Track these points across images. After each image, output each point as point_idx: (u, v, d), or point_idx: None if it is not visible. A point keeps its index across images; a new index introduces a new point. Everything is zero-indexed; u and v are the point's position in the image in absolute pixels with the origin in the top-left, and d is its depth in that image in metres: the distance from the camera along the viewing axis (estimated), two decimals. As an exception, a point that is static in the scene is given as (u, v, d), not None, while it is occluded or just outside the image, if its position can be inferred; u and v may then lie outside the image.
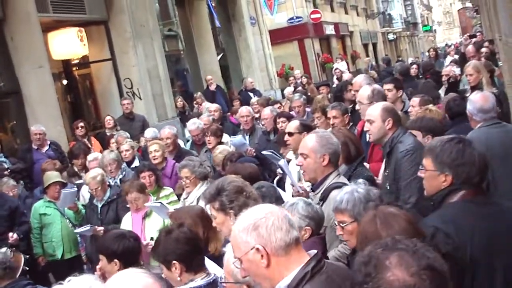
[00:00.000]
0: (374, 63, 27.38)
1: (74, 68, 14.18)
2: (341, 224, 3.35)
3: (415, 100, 6.58)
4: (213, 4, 18.89)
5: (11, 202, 7.48)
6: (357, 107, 6.15)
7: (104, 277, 3.77)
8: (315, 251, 2.50)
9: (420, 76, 13.20)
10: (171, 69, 15.80)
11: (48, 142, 9.71)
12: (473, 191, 3.06)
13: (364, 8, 40.55)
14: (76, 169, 8.67)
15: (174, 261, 3.36)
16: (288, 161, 5.99)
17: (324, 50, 30.08)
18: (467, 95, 6.65)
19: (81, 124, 10.68)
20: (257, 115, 10.09)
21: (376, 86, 6.28)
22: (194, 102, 14.30)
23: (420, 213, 3.35)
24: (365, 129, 4.91)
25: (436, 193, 3.12)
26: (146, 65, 13.62)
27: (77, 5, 12.51)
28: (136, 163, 8.32)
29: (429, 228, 2.88)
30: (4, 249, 4.73)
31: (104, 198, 7.04)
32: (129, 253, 4.03)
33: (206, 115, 9.94)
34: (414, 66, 14.28)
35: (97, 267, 4.10)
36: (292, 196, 4.68)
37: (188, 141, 9.99)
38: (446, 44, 51.72)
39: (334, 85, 14.82)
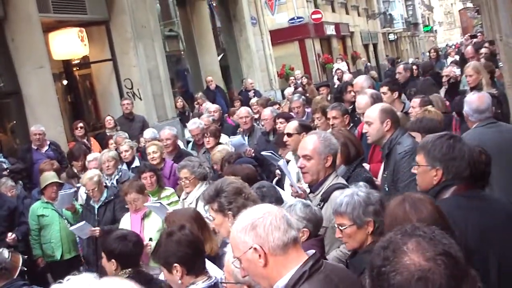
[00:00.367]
0: (369, 63, 27.36)
1: (74, 69, 14.19)
2: (340, 227, 3.36)
3: (416, 101, 6.59)
4: (214, 4, 18.90)
5: (10, 202, 7.49)
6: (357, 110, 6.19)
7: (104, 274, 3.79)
8: (314, 251, 2.50)
9: (420, 77, 13.17)
10: (171, 70, 15.81)
11: (48, 142, 9.70)
12: (464, 186, 3.16)
13: (365, 9, 40.55)
14: (75, 171, 8.65)
15: (175, 264, 3.33)
16: (287, 161, 5.99)
17: (324, 51, 30.08)
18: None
19: (80, 124, 10.69)
20: (256, 116, 10.08)
21: (374, 92, 6.36)
22: (195, 102, 14.30)
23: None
24: (363, 130, 4.92)
25: (430, 189, 3.22)
26: (146, 66, 13.63)
27: (78, 5, 12.51)
28: (136, 163, 8.32)
29: None
30: (0, 250, 4.72)
31: (101, 199, 7.02)
32: (126, 256, 4.05)
33: (206, 116, 9.94)
34: (414, 66, 14.25)
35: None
36: (291, 196, 4.68)
37: (189, 142, 9.97)
38: (447, 45, 51.76)
39: (335, 86, 14.83)
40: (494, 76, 8.67)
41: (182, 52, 18.13)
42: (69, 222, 7.51)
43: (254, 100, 12.57)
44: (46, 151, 9.58)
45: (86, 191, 7.08)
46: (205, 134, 8.11)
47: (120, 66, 13.41)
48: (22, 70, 10.42)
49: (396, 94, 6.84)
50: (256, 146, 8.19)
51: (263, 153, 6.91)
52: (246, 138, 8.82)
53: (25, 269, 4.72)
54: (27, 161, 9.41)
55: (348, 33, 34.65)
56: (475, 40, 20.61)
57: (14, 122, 11.16)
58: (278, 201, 4.06)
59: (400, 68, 11.20)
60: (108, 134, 10.76)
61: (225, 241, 3.66)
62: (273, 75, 22.29)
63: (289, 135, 6.06)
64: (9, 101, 10.98)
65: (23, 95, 10.48)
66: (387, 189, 4.53)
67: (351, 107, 7.43)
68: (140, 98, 13.32)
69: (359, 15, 38.77)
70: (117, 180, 7.71)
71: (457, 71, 9.53)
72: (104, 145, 10.07)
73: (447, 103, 8.39)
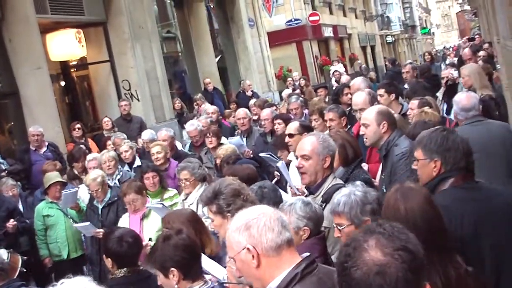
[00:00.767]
0: (364, 65, 27.40)
1: (72, 70, 14.18)
2: (338, 227, 3.37)
3: (414, 102, 6.59)
4: (212, 6, 18.91)
5: (9, 203, 7.48)
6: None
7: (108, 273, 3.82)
8: (308, 253, 2.50)
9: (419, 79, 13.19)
10: (169, 71, 15.82)
11: (46, 144, 9.69)
12: (461, 177, 3.29)
13: (362, 11, 40.58)
14: (76, 172, 8.65)
15: (172, 268, 3.30)
16: (289, 162, 5.99)
17: (322, 53, 30.10)
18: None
19: (78, 125, 10.69)
20: (255, 117, 10.08)
21: (370, 90, 6.44)
22: (194, 103, 14.29)
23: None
24: (361, 132, 4.93)
25: (429, 181, 3.34)
26: (144, 67, 13.63)
27: (76, 6, 12.51)
28: (137, 162, 8.33)
29: None
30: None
31: (105, 199, 7.02)
32: (121, 256, 4.05)
33: (204, 117, 9.94)
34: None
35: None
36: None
37: (186, 144, 9.96)
38: (445, 47, 51.84)
39: (333, 87, 14.83)
40: (492, 78, 8.70)
41: (180, 54, 18.13)
42: (74, 221, 7.48)
43: (252, 102, 12.57)
44: (44, 152, 9.57)
45: (90, 192, 7.08)
46: (207, 134, 8.09)
47: (117, 67, 13.41)
48: (20, 71, 10.42)
49: (393, 96, 6.84)
50: (254, 148, 8.19)
51: (261, 154, 6.91)
52: (244, 139, 8.82)
53: (25, 270, 4.70)
54: (26, 162, 9.39)
55: (346, 35, 34.68)
56: (472, 42, 20.63)
57: (12, 123, 11.15)
58: (276, 204, 4.05)
59: (407, 67, 11.44)
60: (105, 135, 10.76)
61: (225, 242, 3.66)
62: (271, 77, 22.31)
63: (291, 135, 6.07)
64: (7, 102, 10.97)
65: (21, 96, 10.48)
66: (385, 190, 4.52)
67: (348, 109, 7.43)
68: (138, 99, 13.31)
69: (356, 17, 38.80)
70: (118, 180, 7.71)
71: (454, 73, 9.55)
72: (101, 146, 10.06)
73: (445, 105, 8.44)
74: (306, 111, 9.12)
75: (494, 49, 10.50)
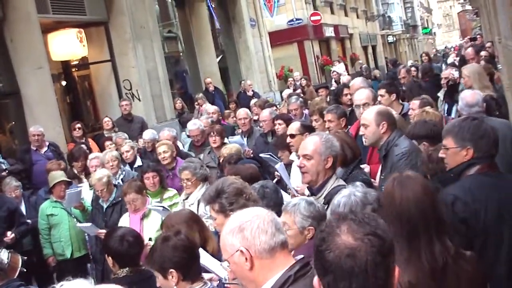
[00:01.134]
0: (365, 65, 27.38)
1: (73, 69, 14.20)
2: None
3: (415, 102, 6.59)
4: (213, 6, 18.91)
5: (10, 203, 7.46)
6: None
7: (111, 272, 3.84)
8: (302, 256, 2.50)
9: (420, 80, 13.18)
10: (170, 71, 15.81)
11: (47, 143, 9.69)
12: (487, 165, 3.43)
13: (364, 11, 40.57)
14: (76, 172, 8.65)
15: (171, 269, 3.30)
16: (291, 162, 5.98)
17: (323, 52, 30.09)
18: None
19: (78, 125, 10.68)
20: (255, 117, 10.08)
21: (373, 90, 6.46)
22: (196, 103, 14.28)
23: (441, 183, 3.64)
24: (360, 133, 4.93)
25: (456, 166, 3.49)
26: (145, 67, 13.63)
27: (77, 6, 12.52)
28: (138, 162, 8.33)
29: (449, 196, 3.30)
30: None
31: (110, 199, 7.02)
32: (122, 255, 4.07)
33: (205, 117, 9.94)
34: (413, 68, 14.27)
35: None
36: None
37: (185, 144, 9.95)
38: (446, 47, 51.79)
39: (332, 88, 14.83)
40: (493, 78, 8.69)
41: (181, 54, 18.14)
42: (78, 220, 7.49)
43: (253, 102, 12.56)
44: (45, 152, 9.57)
45: (96, 191, 7.09)
46: (211, 133, 8.07)
47: (119, 67, 13.41)
48: (21, 70, 10.42)
49: (394, 96, 6.84)
50: (254, 148, 8.18)
51: (261, 155, 6.92)
52: (245, 139, 8.81)
53: (25, 270, 4.69)
54: (26, 162, 9.38)
55: (347, 35, 34.66)
56: (473, 42, 20.61)
57: (13, 122, 11.15)
58: (277, 206, 4.05)
59: (402, 72, 11.39)
60: (105, 135, 10.76)
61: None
62: (272, 76, 22.30)
63: (292, 136, 6.07)
64: (8, 101, 10.98)
65: (22, 96, 10.48)
66: (384, 190, 4.54)
67: (349, 109, 7.42)
68: (139, 99, 13.32)
69: (358, 17, 38.78)
70: (122, 179, 7.71)
71: (455, 73, 9.55)
72: (100, 146, 10.05)
73: (446, 105, 8.44)
74: (306, 112, 9.11)
75: (495, 49, 10.49)
